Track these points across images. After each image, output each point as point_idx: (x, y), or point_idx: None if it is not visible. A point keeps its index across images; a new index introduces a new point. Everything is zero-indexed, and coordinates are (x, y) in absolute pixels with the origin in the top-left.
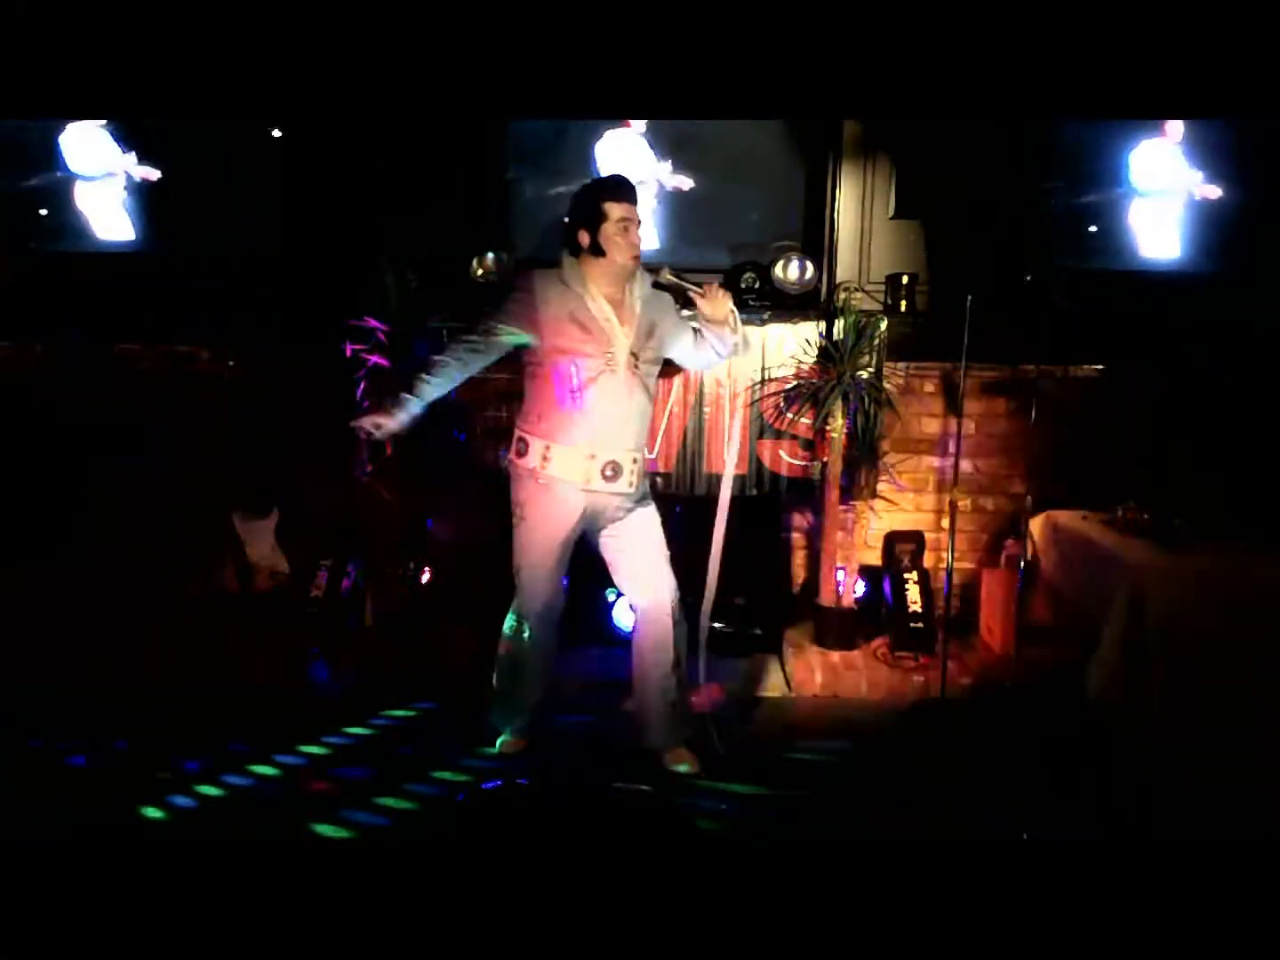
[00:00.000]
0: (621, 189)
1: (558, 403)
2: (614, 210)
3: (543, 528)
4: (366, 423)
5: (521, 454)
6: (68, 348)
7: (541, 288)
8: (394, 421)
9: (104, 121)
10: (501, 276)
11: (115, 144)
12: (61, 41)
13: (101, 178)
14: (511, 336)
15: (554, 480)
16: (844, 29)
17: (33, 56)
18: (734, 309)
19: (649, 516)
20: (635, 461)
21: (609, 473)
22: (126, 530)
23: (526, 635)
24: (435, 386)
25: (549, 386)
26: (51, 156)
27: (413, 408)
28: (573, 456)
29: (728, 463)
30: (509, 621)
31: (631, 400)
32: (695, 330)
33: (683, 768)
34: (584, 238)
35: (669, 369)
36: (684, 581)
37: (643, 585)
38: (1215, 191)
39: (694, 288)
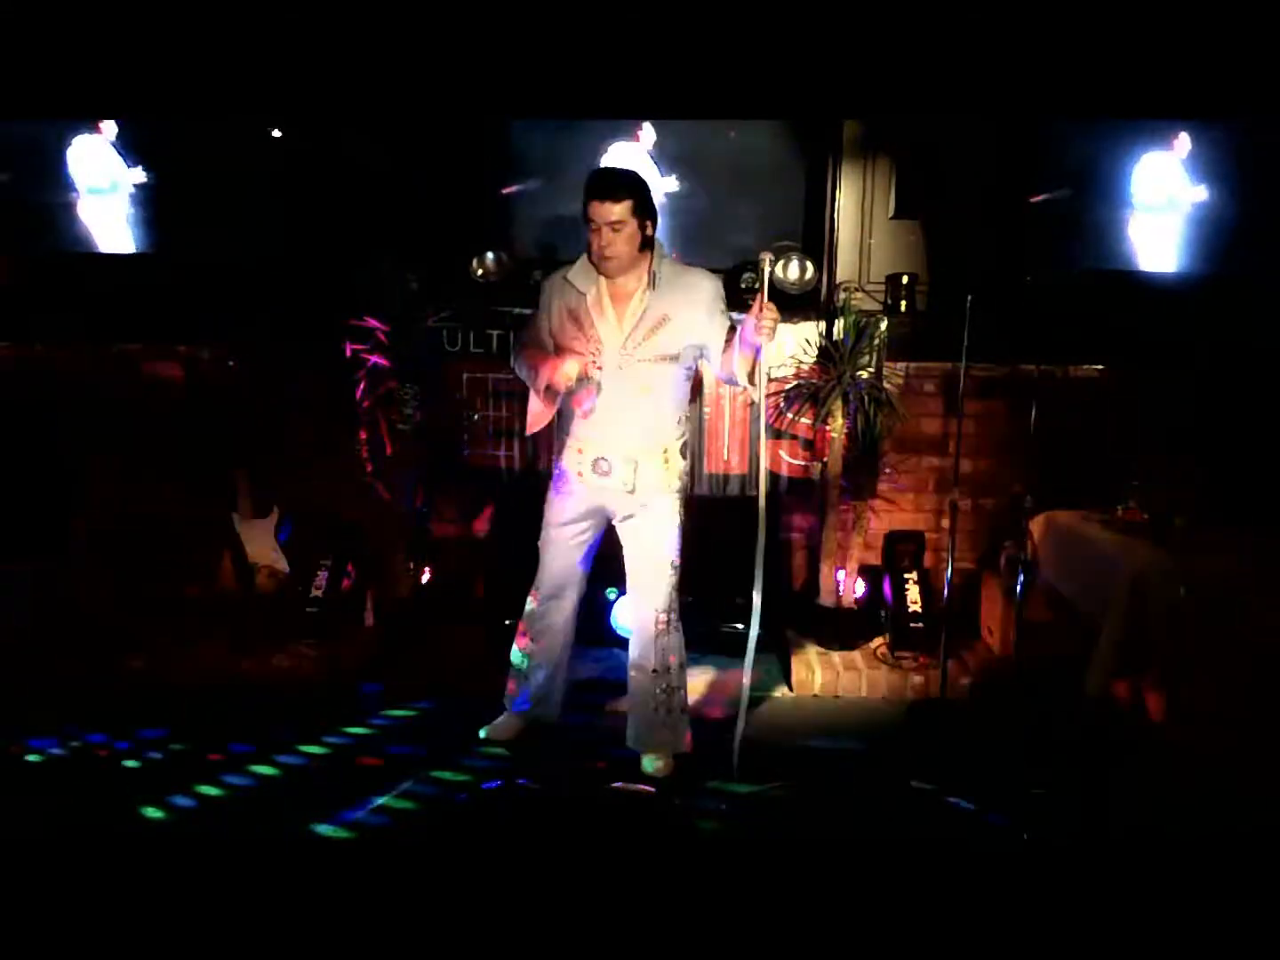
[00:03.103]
0: (593, 185)
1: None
2: (590, 209)
3: (555, 506)
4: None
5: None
6: None
7: (549, 286)
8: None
9: (110, 135)
10: (502, 276)
11: (118, 154)
12: (62, 44)
13: (106, 191)
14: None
15: (561, 466)
16: (843, 29)
17: (33, 58)
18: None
19: (655, 521)
20: (633, 462)
21: (604, 468)
22: (126, 529)
23: (536, 607)
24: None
25: None
26: (56, 166)
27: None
28: (570, 449)
29: (761, 483)
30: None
31: (623, 399)
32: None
33: (650, 767)
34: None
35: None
36: (688, 581)
37: (634, 588)
38: (1216, 198)
39: (763, 294)
